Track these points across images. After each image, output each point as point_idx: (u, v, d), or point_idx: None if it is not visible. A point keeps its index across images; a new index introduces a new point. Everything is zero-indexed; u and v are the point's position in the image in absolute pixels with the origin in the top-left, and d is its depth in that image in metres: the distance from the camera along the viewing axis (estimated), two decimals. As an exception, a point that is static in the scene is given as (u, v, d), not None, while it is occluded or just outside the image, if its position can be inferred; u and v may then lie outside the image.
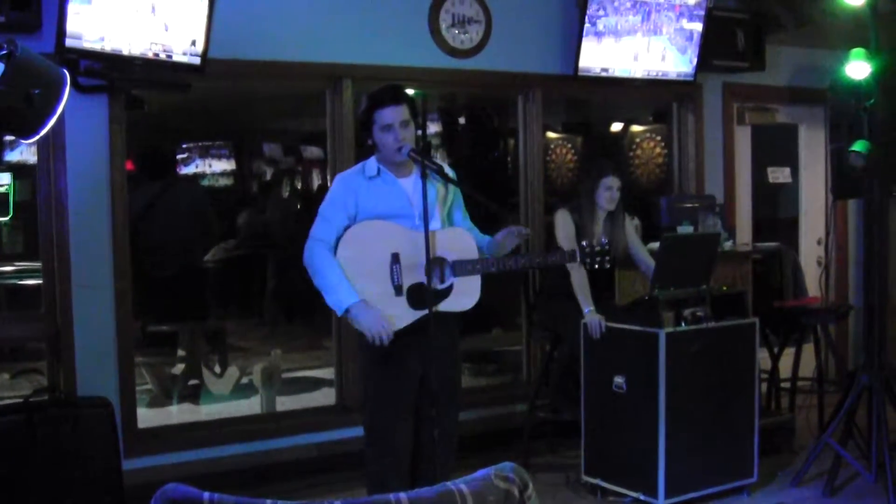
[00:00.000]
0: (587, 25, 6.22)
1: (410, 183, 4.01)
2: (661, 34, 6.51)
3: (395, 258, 3.88)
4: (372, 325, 3.83)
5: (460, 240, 4.01)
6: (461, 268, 3.94)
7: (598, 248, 4.11)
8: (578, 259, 4.11)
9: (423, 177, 3.85)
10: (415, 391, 4.03)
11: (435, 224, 3.96)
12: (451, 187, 4.12)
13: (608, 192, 5.52)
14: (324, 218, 4.00)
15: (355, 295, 3.83)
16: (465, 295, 4.00)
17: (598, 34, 6.27)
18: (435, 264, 3.92)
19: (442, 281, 3.95)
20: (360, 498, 2.12)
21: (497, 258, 4.06)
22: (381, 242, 3.90)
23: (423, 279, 3.88)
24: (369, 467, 4.07)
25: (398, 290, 3.89)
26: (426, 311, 3.86)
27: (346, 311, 3.85)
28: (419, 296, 3.90)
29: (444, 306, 3.96)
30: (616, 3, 6.28)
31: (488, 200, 4.01)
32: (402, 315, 3.91)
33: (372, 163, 4.04)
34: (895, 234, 7.59)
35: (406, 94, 4.02)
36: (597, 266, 4.12)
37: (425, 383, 4.00)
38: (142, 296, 5.81)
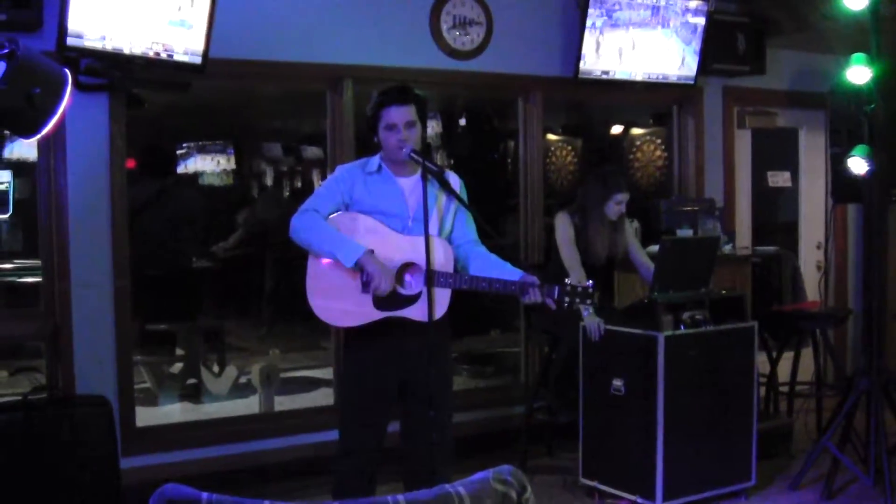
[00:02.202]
0: (589, 22, 6.21)
1: (410, 184, 3.98)
2: (669, 27, 6.51)
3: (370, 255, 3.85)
4: (376, 274, 3.76)
5: (438, 251, 3.89)
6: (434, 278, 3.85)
7: (580, 290, 3.87)
8: (556, 296, 3.86)
9: (424, 178, 3.83)
10: (387, 399, 4.00)
11: (430, 229, 3.92)
12: (457, 200, 4.06)
13: (618, 206, 5.55)
14: (317, 196, 3.98)
15: (361, 246, 3.78)
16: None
17: (602, 27, 6.26)
18: (406, 269, 3.90)
19: (402, 285, 3.88)
20: (356, 500, 2.14)
21: (471, 276, 3.91)
22: (360, 236, 3.85)
23: (393, 283, 3.86)
24: (334, 471, 4.06)
25: (365, 286, 3.83)
26: (388, 314, 3.85)
27: (357, 261, 3.76)
28: (384, 298, 3.85)
29: (407, 313, 3.87)
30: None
31: (484, 223, 3.97)
32: (364, 313, 3.85)
33: (375, 159, 4.02)
34: (894, 239, 7.61)
35: (415, 95, 3.98)
36: (573, 307, 3.95)
37: (407, 389, 3.99)
38: (140, 295, 5.80)
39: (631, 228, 5.85)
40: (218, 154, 11.47)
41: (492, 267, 4.00)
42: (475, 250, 4.08)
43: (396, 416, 4.09)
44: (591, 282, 3.96)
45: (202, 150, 11.37)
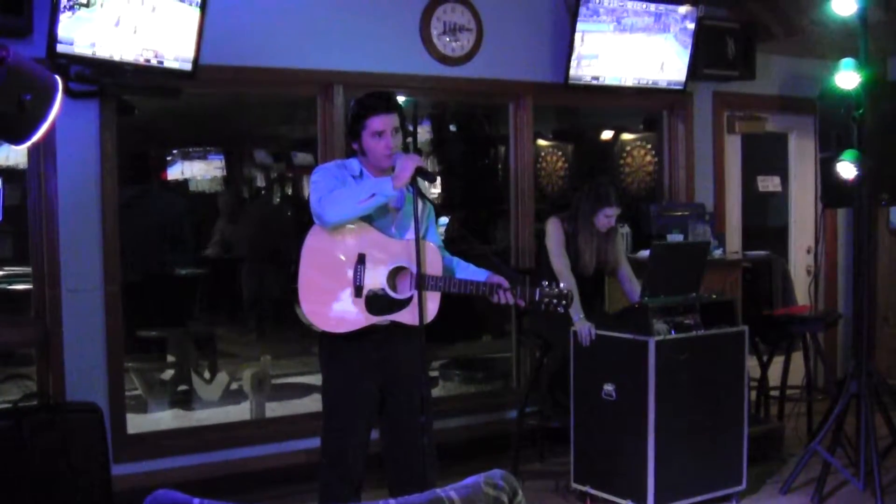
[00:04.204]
0: (579, 28, 6.23)
1: None
2: (669, 32, 6.54)
3: (361, 259, 3.85)
4: (407, 161, 3.77)
5: (429, 254, 3.91)
6: (424, 282, 3.85)
7: (556, 291, 3.97)
8: (537, 297, 3.95)
9: (414, 184, 3.83)
10: (370, 404, 3.99)
11: (410, 235, 3.93)
12: (427, 203, 4.09)
13: (607, 219, 5.54)
14: (324, 186, 3.84)
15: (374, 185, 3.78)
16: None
17: (592, 33, 6.28)
18: (398, 273, 3.91)
19: (394, 290, 3.89)
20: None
21: (460, 280, 3.96)
22: (351, 240, 3.85)
23: (385, 286, 3.86)
24: (321, 478, 4.04)
25: (358, 291, 3.84)
26: (380, 318, 3.85)
27: (393, 185, 3.76)
28: (377, 302, 3.86)
29: (400, 317, 3.89)
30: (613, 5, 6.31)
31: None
32: (357, 318, 3.85)
33: (354, 163, 3.99)
34: (883, 243, 7.64)
35: (397, 103, 4.00)
36: (549, 309, 3.99)
37: (389, 394, 4.00)
38: (131, 301, 5.78)
39: (623, 246, 5.85)
40: (207, 160, 11.45)
41: (461, 269, 4.09)
42: (444, 254, 4.12)
43: (376, 424, 4.09)
44: (563, 284, 4.05)
45: (191, 157, 11.35)
